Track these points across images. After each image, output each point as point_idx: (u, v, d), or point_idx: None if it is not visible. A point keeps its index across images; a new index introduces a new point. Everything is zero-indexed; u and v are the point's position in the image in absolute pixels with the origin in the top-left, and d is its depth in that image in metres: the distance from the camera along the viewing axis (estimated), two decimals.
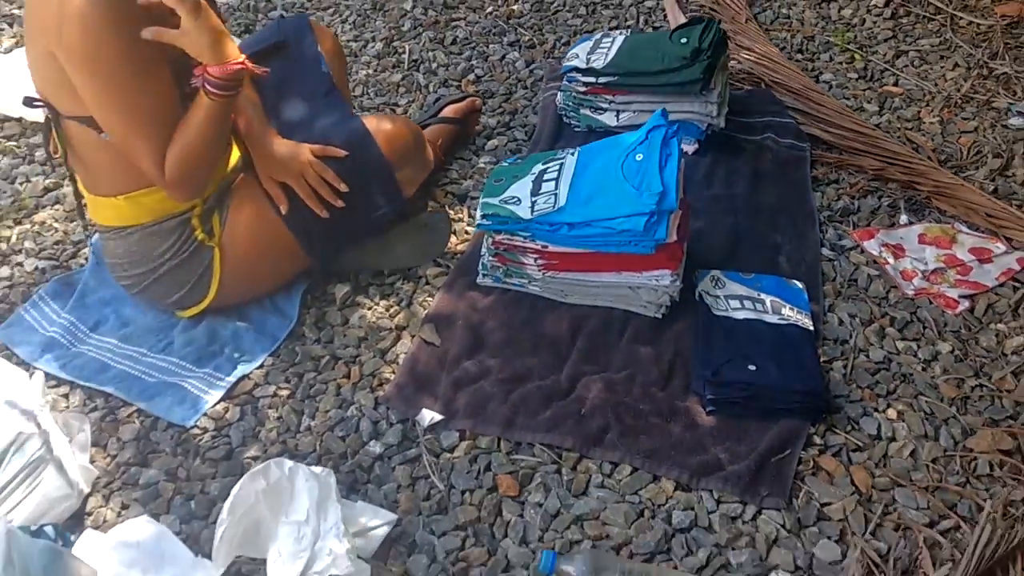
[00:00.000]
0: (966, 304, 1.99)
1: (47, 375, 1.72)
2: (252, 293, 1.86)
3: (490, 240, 1.91)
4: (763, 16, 2.93)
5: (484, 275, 1.95)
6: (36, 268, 2.00)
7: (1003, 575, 1.51)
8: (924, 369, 1.85)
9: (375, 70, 2.66)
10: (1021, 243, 2.11)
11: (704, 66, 2.23)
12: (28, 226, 2.11)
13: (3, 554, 1.19)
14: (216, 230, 1.77)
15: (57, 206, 2.16)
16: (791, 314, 1.89)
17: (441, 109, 2.32)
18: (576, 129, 2.39)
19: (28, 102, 1.62)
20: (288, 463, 1.46)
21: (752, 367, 1.77)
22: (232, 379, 1.75)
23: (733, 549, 1.53)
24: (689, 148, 2.29)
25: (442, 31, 2.81)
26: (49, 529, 1.34)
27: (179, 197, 1.67)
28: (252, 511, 1.44)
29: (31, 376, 1.53)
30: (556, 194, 1.87)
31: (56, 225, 2.11)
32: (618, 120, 2.35)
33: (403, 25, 2.84)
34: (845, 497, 1.61)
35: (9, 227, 2.10)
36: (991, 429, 1.73)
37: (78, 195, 1.74)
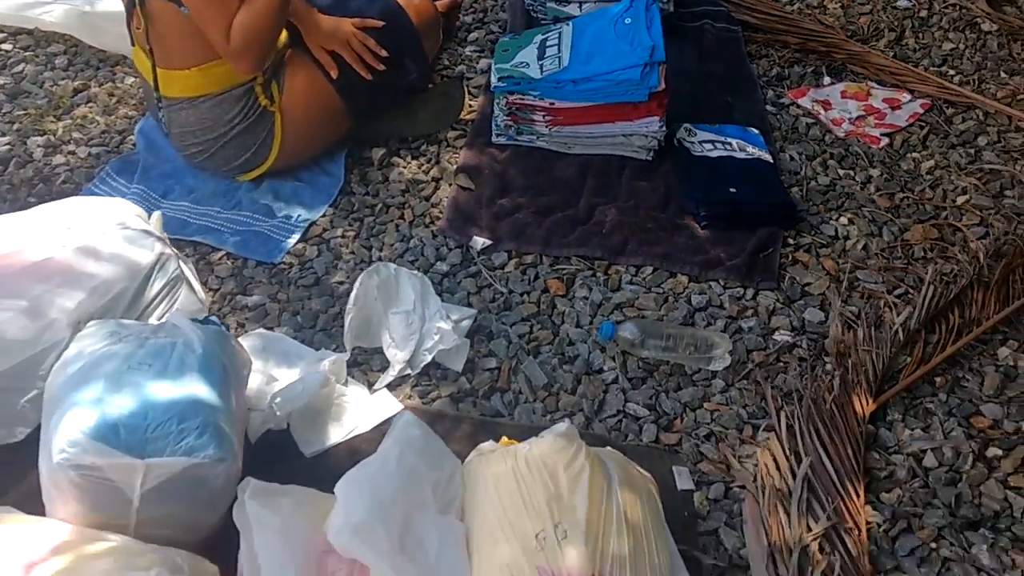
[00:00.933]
0: (886, 140, 2.43)
1: None
2: (306, 154, 2.12)
3: (503, 102, 2.23)
4: None
5: (498, 134, 2.27)
6: (89, 155, 2.19)
7: (944, 322, 1.94)
8: (862, 189, 2.28)
9: None
10: (921, 93, 2.57)
11: None
12: (69, 121, 2.29)
13: (194, 329, 1.44)
14: (276, 97, 2.02)
15: (91, 104, 2.34)
16: (754, 151, 2.29)
17: None
18: (543, 21, 2.71)
19: None
20: (392, 265, 1.76)
21: (733, 190, 2.16)
22: (303, 224, 2.01)
23: (743, 319, 1.92)
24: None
25: None
26: (213, 319, 1.58)
27: (242, 67, 1.91)
28: (367, 305, 1.73)
29: (150, 215, 1.75)
30: (559, 56, 2.20)
31: (97, 119, 2.30)
32: (581, 9, 2.68)
33: None
34: (820, 278, 2.02)
35: (52, 122, 2.27)
36: (920, 225, 2.17)
37: (155, 67, 1.95)
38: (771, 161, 2.27)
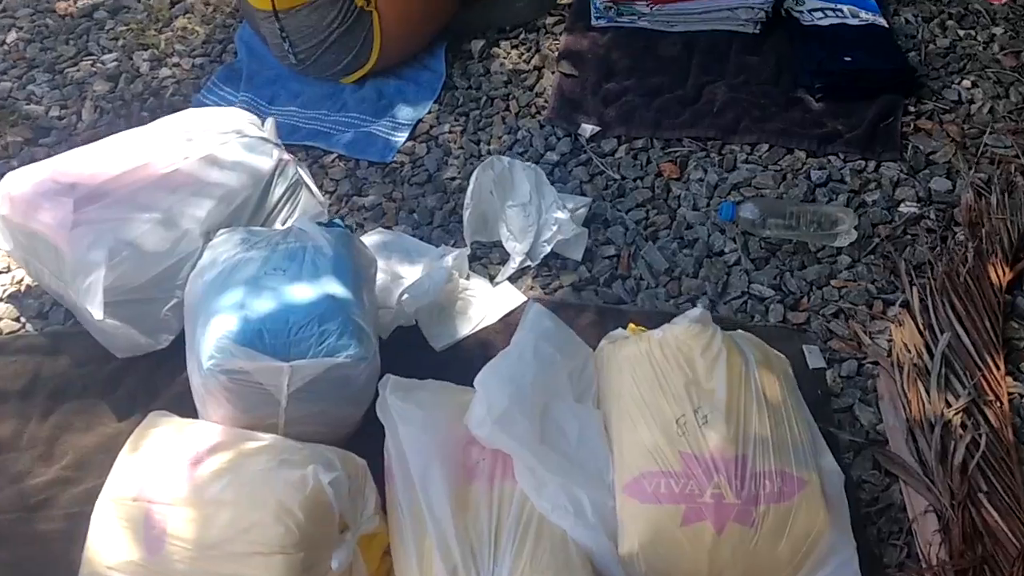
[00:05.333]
0: None
1: None
2: (407, 51, 2.10)
3: None
4: None
5: (598, 17, 2.20)
6: (193, 65, 2.21)
7: None
8: (985, 48, 2.16)
9: None
10: None
11: None
12: (170, 33, 2.30)
13: (321, 232, 1.46)
14: None
15: (189, 15, 2.35)
16: (868, 16, 2.17)
17: None
18: None
19: None
20: (505, 159, 1.74)
21: (847, 58, 2.06)
22: (410, 122, 2.00)
23: (866, 192, 1.86)
24: None
25: None
26: (338, 221, 1.60)
27: None
28: (483, 200, 1.72)
29: (264, 123, 1.77)
30: None
31: (197, 29, 2.31)
32: None
33: None
34: (945, 145, 1.93)
35: (155, 35, 2.29)
36: None
37: None
38: (886, 25, 2.16)
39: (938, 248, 1.74)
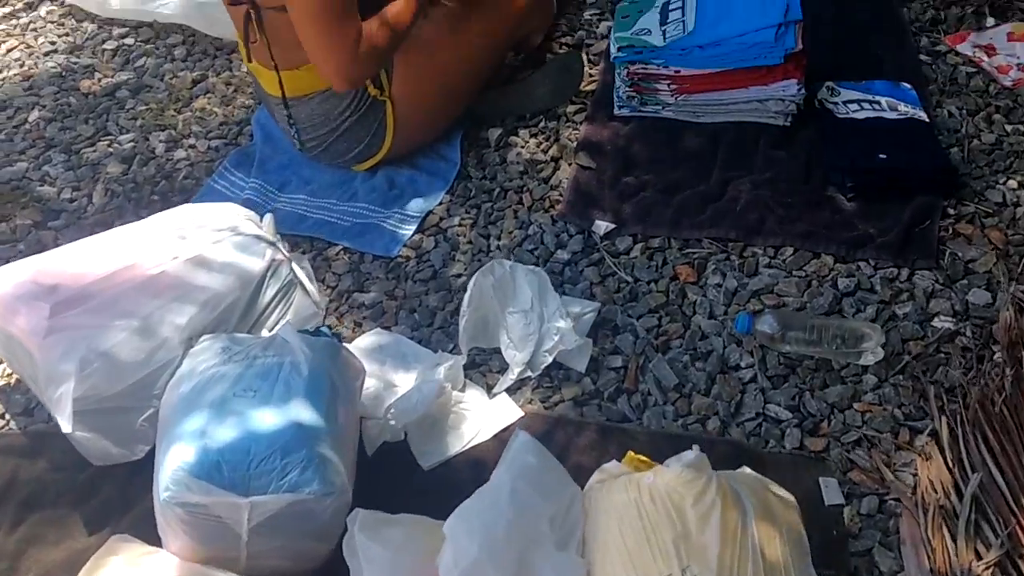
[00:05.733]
0: None
1: None
2: (420, 140, 2.04)
3: (624, 72, 2.08)
4: None
5: (620, 106, 2.12)
6: (208, 148, 2.18)
7: None
8: None
9: None
10: None
11: None
12: (189, 114, 2.28)
13: (302, 346, 1.39)
14: (385, 85, 1.93)
15: (209, 95, 2.33)
16: (907, 110, 2.06)
17: None
18: None
19: (233, 1, 1.78)
20: (507, 262, 1.66)
21: (883, 156, 1.95)
22: (420, 214, 1.94)
23: (897, 303, 1.73)
24: None
25: None
26: (325, 330, 1.54)
27: (347, 81, 1.82)
28: (483, 305, 1.64)
29: (263, 218, 1.71)
30: (684, 21, 2.03)
31: (215, 110, 2.28)
32: None
33: None
34: (986, 253, 1.80)
35: (173, 116, 2.27)
36: None
37: (277, 68, 1.89)
38: (926, 120, 2.04)
39: (973, 370, 1.61)
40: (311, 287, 1.70)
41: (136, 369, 1.43)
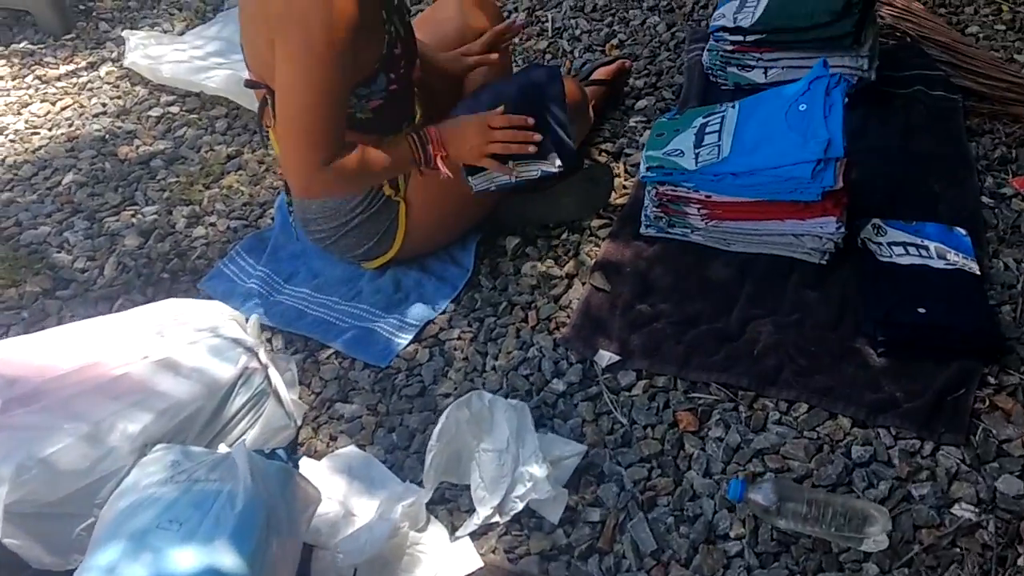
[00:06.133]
0: None
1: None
2: (432, 244, 1.97)
3: (653, 191, 1.98)
4: None
5: (647, 225, 2.02)
6: (228, 227, 2.16)
7: None
8: None
9: (521, 39, 2.74)
10: None
11: (855, 20, 2.24)
12: (216, 190, 2.26)
13: (245, 474, 1.32)
14: (401, 186, 1.88)
15: (240, 172, 2.31)
16: (957, 259, 1.90)
17: (592, 71, 2.40)
18: (724, 87, 2.43)
19: (249, 84, 1.75)
20: (487, 395, 1.57)
21: (922, 310, 1.79)
22: (419, 323, 1.86)
23: (914, 483, 1.57)
24: None
25: None
26: (281, 452, 1.47)
27: (302, 192, 1.77)
28: (456, 439, 1.55)
29: (247, 319, 1.66)
30: (719, 145, 1.92)
31: (243, 188, 2.26)
32: (766, 77, 2.37)
33: None
34: None
35: (200, 191, 2.26)
36: None
37: None
38: (977, 272, 1.88)
39: (992, 574, 1.44)
40: (287, 397, 1.63)
41: (77, 478, 1.37)
